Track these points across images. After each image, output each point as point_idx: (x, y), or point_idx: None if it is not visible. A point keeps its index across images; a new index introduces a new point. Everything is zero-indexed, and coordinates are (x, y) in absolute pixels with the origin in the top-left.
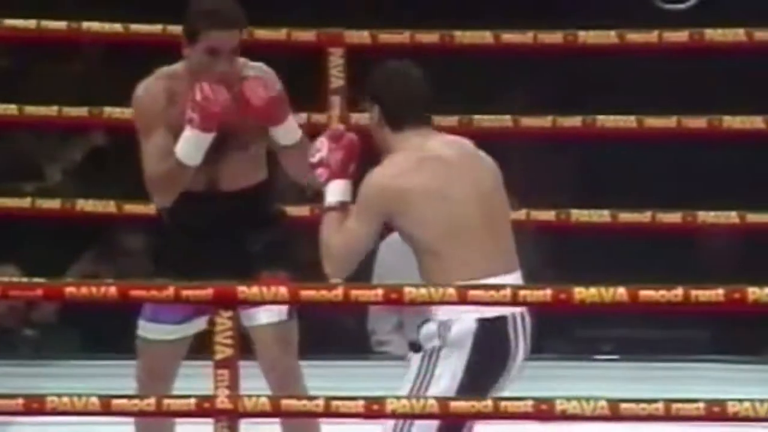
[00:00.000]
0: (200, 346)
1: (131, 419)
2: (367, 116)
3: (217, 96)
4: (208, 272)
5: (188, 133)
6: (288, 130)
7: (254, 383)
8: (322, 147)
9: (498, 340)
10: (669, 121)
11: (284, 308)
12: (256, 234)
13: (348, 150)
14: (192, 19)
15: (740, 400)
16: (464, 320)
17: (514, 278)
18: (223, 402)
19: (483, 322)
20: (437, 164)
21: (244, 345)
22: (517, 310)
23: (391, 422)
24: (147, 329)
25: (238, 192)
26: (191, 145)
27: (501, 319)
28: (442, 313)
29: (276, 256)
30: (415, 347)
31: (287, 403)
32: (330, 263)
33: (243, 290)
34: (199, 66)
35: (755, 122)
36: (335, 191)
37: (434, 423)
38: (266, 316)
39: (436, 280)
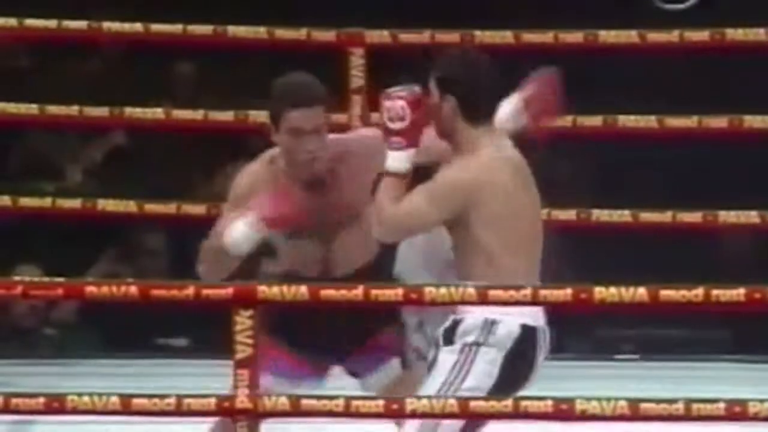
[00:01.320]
0: (220, 346)
1: (151, 418)
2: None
3: (277, 203)
4: (323, 340)
5: (241, 224)
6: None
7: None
8: (405, 115)
9: (531, 348)
10: (690, 121)
11: (395, 364)
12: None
13: (426, 120)
14: (272, 103)
15: (761, 401)
16: (509, 323)
17: None
18: (242, 401)
19: (525, 328)
20: (513, 167)
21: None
22: (544, 323)
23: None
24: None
25: (353, 275)
26: (239, 236)
27: (536, 329)
28: (487, 311)
29: (386, 316)
30: (447, 339)
31: (307, 402)
32: (384, 226)
33: (263, 290)
34: (287, 149)
35: None
36: (405, 159)
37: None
38: (380, 377)
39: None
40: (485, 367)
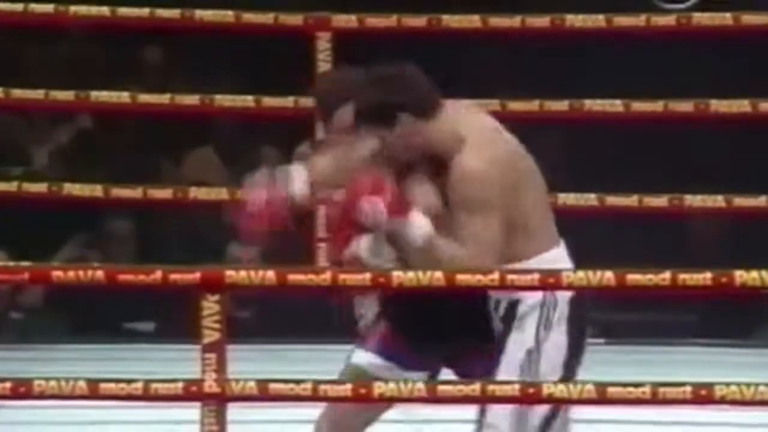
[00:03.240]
0: (187, 331)
1: (118, 402)
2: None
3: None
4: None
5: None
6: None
7: (241, 367)
8: (376, 206)
9: (583, 319)
10: (656, 105)
11: None
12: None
13: (395, 191)
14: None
15: (727, 384)
16: (563, 296)
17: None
18: (210, 386)
19: (573, 302)
20: (497, 134)
21: (231, 329)
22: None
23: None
24: (371, 363)
25: None
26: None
27: (583, 301)
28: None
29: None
30: (506, 322)
31: (275, 387)
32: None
33: (230, 274)
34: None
35: (742, 106)
36: (416, 226)
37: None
38: None
39: (522, 253)
40: (555, 349)
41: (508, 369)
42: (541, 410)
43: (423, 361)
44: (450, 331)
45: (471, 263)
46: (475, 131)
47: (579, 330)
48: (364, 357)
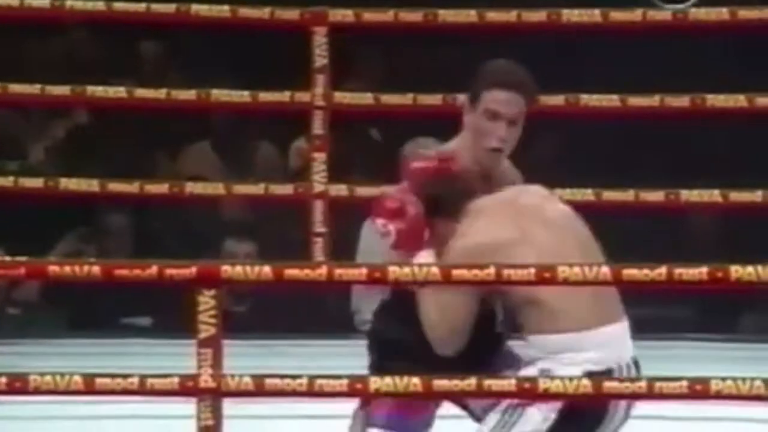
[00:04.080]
0: (183, 326)
1: (114, 398)
2: (350, 95)
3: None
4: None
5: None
6: None
7: (237, 362)
8: (388, 229)
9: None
10: (652, 100)
11: None
12: None
13: (412, 219)
14: (476, 80)
15: (723, 379)
16: (569, 372)
17: (623, 327)
18: (206, 381)
19: (590, 377)
20: (516, 211)
21: (227, 324)
22: (626, 359)
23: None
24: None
25: None
26: None
27: (608, 373)
28: (548, 361)
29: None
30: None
31: (271, 382)
32: (435, 344)
33: (227, 269)
34: (477, 131)
35: (738, 101)
36: (422, 261)
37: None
38: None
39: (544, 332)
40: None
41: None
42: None
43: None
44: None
45: (433, 328)
46: (488, 207)
47: (583, 411)
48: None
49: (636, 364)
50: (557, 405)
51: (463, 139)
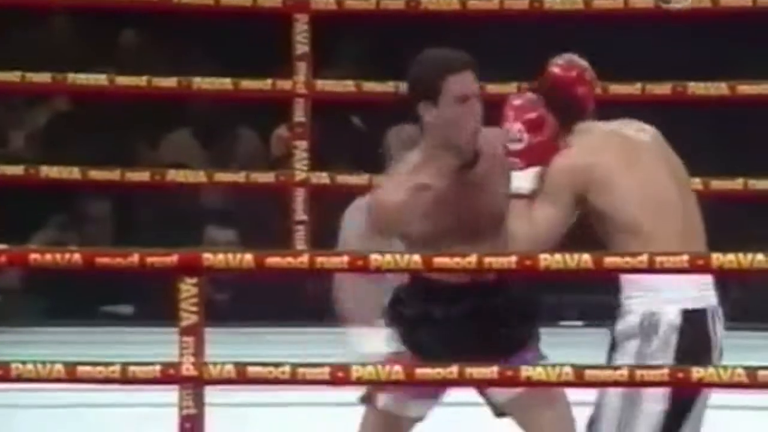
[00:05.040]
0: (165, 314)
1: (96, 386)
2: (331, 83)
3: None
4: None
5: (376, 342)
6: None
7: (219, 350)
8: (522, 137)
9: (702, 334)
10: (634, 88)
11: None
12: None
13: (549, 137)
14: (428, 76)
15: (705, 367)
16: (668, 313)
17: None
18: (188, 369)
19: (687, 315)
20: (622, 139)
21: (209, 312)
22: (713, 302)
23: (615, 405)
24: (389, 402)
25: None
26: (372, 349)
27: (702, 312)
28: (640, 303)
29: (529, 331)
30: (611, 342)
31: (253, 370)
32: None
33: (208, 257)
34: (453, 121)
35: (719, 88)
36: (529, 178)
37: (658, 408)
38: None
39: None
40: None
41: (609, 404)
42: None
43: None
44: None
45: (529, 244)
46: (591, 135)
47: (692, 345)
48: (389, 400)
49: (718, 311)
50: (670, 351)
51: (433, 137)
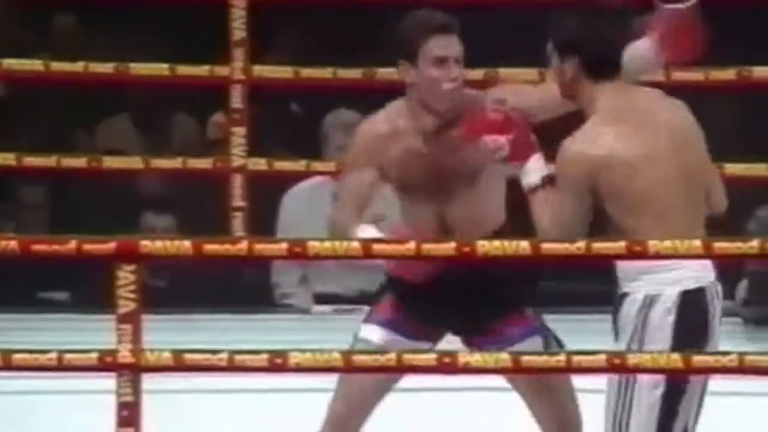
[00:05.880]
0: (102, 301)
1: (33, 373)
2: (269, 68)
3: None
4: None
5: (369, 232)
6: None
7: (157, 337)
8: (498, 144)
9: (699, 314)
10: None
11: (538, 341)
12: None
13: (520, 128)
14: (408, 37)
15: (641, 352)
16: (668, 296)
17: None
18: (125, 356)
19: (686, 294)
20: (634, 125)
21: (147, 299)
22: (712, 278)
23: (613, 394)
24: (380, 337)
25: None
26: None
27: (701, 291)
28: (645, 284)
29: (521, 293)
30: (613, 325)
31: (190, 357)
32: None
33: (146, 244)
34: (430, 81)
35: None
36: (532, 170)
37: (658, 393)
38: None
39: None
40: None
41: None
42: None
43: (429, 333)
44: (459, 306)
45: (545, 232)
46: (606, 116)
47: (691, 325)
48: (372, 331)
49: (719, 287)
50: (668, 343)
51: (411, 96)
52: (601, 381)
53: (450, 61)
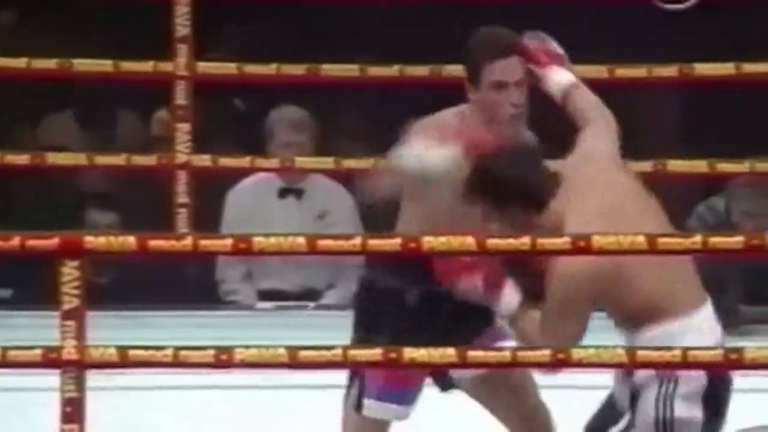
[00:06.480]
0: (46, 297)
1: None
2: (213, 65)
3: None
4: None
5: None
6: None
7: (101, 333)
8: (472, 286)
9: (719, 406)
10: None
11: None
12: None
13: (489, 264)
14: (471, 58)
15: (585, 347)
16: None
17: (710, 307)
18: (69, 353)
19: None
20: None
21: (91, 296)
22: (721, 340)
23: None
24: (377, 409)
25: None
26: (438, 159)
27: (716, 385)
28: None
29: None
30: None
31: (135, 353)
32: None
33: (90, 240)
34: (490, 105)
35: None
36: (507, 301)
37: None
38: None
39: (650, 323)
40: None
41: None
42: None
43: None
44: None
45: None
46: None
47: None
48: (376, 407)
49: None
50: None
51: (473, 112)
52: (588, 378)
53: (510, 85)
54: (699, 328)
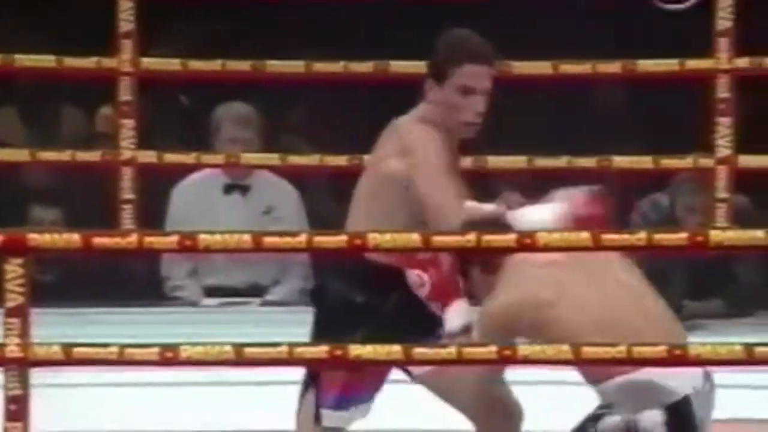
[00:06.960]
0: None
1: None
2: (157, 61)
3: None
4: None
5: (547, 211)
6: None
7: (46, 331)
8: (423, 280)
9: (689, 425)
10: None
11: None
12: None
13: (444, 270)
14: (444, 55)
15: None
16: (651, 417)
17: None
18: (13, 350)
19: (671, 410)
20: (557, 263)
21: (35, 293)
22: (700, 379)
23: None
24: (336, 418)
25: None
26: (540, 220)
27: (686, 400)
28: (625, 404)
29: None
30: None
31: (80, 351)
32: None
33: (34, 237)
34: (451, 106)
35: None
36: (453, 317)
37: None
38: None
39: (611, 375)
40: None
41: None
42: None
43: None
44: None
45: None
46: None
47: None
48: (335, 417)
49: (709, 378)
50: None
51: (432, 113)
52: (566, 373)
53: (477, 93)
54: None
